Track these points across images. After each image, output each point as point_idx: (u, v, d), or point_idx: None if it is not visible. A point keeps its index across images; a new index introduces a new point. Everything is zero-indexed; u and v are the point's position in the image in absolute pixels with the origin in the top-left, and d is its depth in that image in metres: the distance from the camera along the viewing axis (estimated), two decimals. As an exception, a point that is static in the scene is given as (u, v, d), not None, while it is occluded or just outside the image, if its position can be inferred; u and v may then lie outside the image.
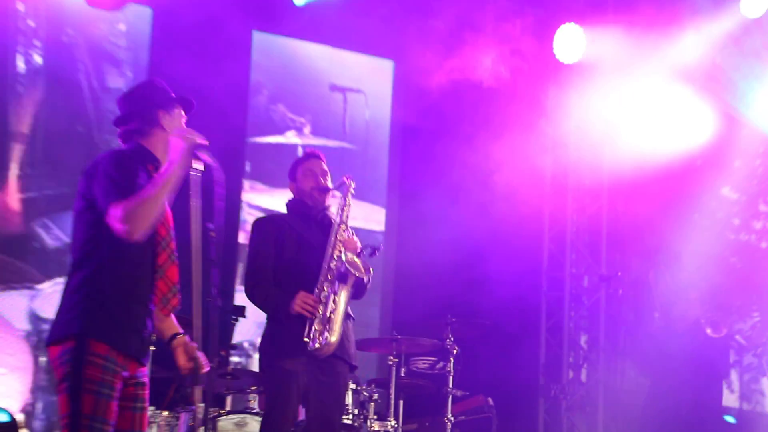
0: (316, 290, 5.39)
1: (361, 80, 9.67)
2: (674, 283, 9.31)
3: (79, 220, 4.13)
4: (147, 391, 4.24)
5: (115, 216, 3.91)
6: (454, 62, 8.70)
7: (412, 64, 9.37)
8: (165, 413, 6.40)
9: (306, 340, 5.29)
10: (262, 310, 5.66)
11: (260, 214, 8.68)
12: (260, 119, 9.21)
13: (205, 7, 8.18)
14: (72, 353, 3.93)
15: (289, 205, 5.77)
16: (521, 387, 9.37)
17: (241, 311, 6.88)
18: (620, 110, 9.28)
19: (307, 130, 9.37)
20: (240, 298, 7.07)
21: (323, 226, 5.61)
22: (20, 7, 8.18)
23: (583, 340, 9.75)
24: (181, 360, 4.25)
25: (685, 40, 8.95)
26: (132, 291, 4.12)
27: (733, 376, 9.29)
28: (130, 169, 4.09)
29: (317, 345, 5.26)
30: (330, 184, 5.70)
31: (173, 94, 4.34)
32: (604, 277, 9.47)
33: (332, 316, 5.31)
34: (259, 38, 9.10)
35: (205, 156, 4.21)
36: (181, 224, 4.27)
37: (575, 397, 9.51)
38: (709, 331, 8.92)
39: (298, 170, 5.76)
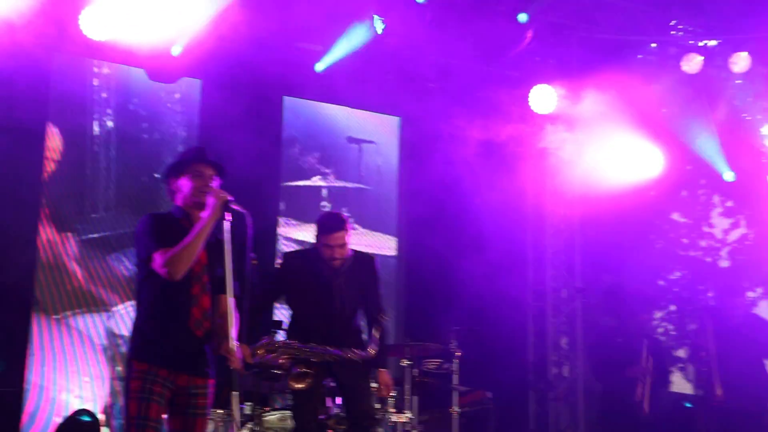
0: None
1: (374, 133, 9.68)
2: (635, 290, 9.22)
3: (137, 270, 4.34)
4: (204, 400, 4.26)
5: (158, 262, 4.11)
6: (448, 118, 8.70)
7: (415, 120, 9.39)
8: (220, 411, 6.33)
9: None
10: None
11: (293, 245, 8.73)
12: (292, 167, 9.18)
13: (244, 78, 8.22)
14: (125, 373, 4.25)
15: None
16: (514, 382, 9.29)
17: (278, 324, 6.81)
18: (589, 151, 9.23)
19: (331, 176, 9.35)
20: (278, 313, 7.01)
21: None
22: (95, 82, 8.25)
23: (563, 342, 9.65)
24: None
25: (638, 94, 8.93)
26: (166, 320, 4.20)
27: (690, 367, 9.17)
28: (157, 228, 4.22)
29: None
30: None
31: (186, 157, 4.44)
32: (578, 289, 9.42)
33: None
34: (288, 101, 9.10)
35: (237, 206, 4.29)
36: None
37: (559, 390, 9.41)
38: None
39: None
